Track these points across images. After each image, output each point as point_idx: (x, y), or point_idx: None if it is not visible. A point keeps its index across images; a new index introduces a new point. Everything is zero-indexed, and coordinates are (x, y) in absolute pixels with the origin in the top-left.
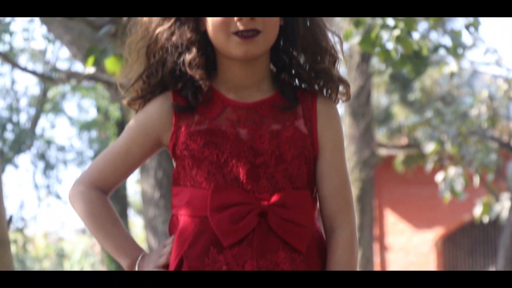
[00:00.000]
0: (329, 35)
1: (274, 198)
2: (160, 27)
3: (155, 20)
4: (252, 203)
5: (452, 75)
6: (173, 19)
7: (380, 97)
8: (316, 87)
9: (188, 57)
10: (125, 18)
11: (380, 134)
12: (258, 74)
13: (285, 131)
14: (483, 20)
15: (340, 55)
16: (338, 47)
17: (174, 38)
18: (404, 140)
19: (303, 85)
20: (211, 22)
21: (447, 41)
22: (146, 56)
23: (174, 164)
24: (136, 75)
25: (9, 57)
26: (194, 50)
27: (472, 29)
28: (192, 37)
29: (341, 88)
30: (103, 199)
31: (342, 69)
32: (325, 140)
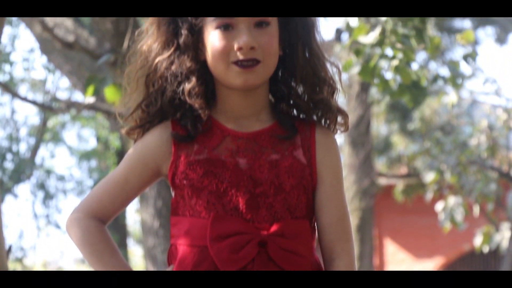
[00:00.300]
0: (328, 65)
1: (274, 228)
2: (160, 56)
3: (155, 49)
4: (252, 232)
5: (452, 105)
6: (172, 48)
7: (380, 127)
8: (315, 117)
9: (187, 86)
10: (125, 47)
11: (380, 164)
12: (257, 104)
13: (284, 161)
14: (481, 50)
15: (338, 86)
16: (336, 77)
17: (173, 67)
18: (403, 170)
19: (301, 115)
20: (210, 51)
21: (445, 71)
22: (145, 85)
23: (173, 194)
24: (135, 104)
25: (9, 87)
26: (193, 79)
27: (469, 59)
28: (192, 66)
29: (339, 118)
30: (100, 229)
31: (341, 98)
32: (324, 170)
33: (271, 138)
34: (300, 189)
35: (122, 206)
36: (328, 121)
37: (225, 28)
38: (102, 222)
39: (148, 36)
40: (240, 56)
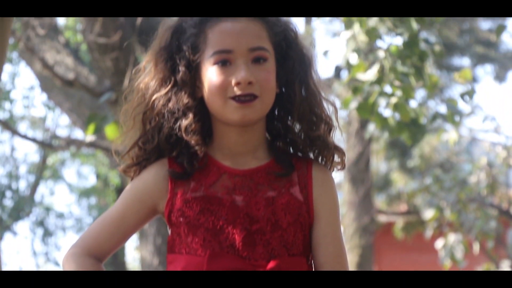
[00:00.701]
0: (325, 103)
1: (270, 265)
2: (157, 93)
3: (152, 86)
4: (248, 270)
5: (451, 143)
6: (170, 85)
7: (379, 164)
8: (312, 155)
9: (184, 122)
10: (125, 85)
11: (380, 201)
12: (254, 141)
13: (281, 198)
14: (480, 88)
15: (335, 123)
16: (333, 115)
17: (170, 104)
18: (403, 207)
19: (298, 153)
20: (208, 87)
21: (444, 109)
22: (142, 123)
23: (169, 232)
24: (132, 142)
25: (9, 125)
26: (190, 115)
27: (467, 97)
28: (189, 102)
29: (336, 156)
30: (96, 266)
31: (340, 136)
32: (321, 208)
33: (267, 175)
34: (297, 226)
35: (119, 244)
36: (325, 159)
37: (223, 64)
38: (98, 259)
39: (146, 73)
40: (237, 91)
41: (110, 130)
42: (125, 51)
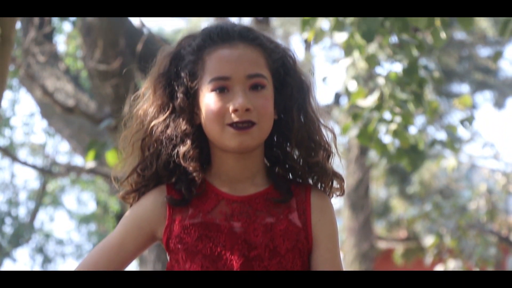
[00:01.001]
0: (323, 130)
1: None
2: (155, 120)
3: (150, 113)
4: None
5: (451, 169)
6: (168, 112)
7: (379, 190)
8: (311, 181)
9: (182, 149)
10: (125, 112)
11: (379, 227)
12: (252, 168)
13: (279, 225)
14: (480, 115)
15: (334, 150)
16: (332, 141)
17: (169, 131)
18: (403, 233)
19: (297, 179)
20: (206, 113)
21: (443, 136)
22: (141, 149)
23: (168, 258)
24: (131, 168)
25: (9, 151)
26: (188, 142)
27: (466, 124)
28: (187, 129)
29: (335, 182)
30: None
31: (339, 162)
32: (319, 234)
33: (266, 202)
34: (296, 253)
35: (118, 270)
36: (323, 185)
37: (221, 91)
38: None
39: (144, 100)
40: (235, 118)
41: (110, 157)
42: (125, 78)
